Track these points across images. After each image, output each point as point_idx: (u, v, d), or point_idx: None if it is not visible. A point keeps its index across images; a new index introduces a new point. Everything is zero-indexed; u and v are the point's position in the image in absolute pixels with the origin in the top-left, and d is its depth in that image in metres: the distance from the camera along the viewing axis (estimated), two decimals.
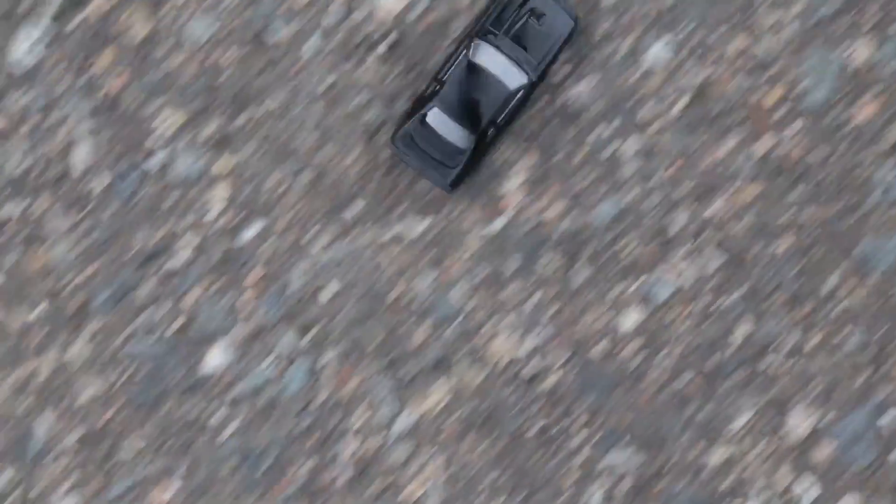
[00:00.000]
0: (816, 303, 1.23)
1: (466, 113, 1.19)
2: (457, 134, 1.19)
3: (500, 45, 1.19)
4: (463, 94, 1.19)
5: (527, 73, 1.19)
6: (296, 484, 1.22)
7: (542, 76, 1.20)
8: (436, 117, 1.19)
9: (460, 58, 1.19)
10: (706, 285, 1.23)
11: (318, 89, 1.25)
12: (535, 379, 1.23)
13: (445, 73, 1.20)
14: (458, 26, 1.25)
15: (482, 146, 1.20)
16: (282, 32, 1.25)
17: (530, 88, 1.19)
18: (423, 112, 1.19)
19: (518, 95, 1.18)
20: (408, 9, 1.25)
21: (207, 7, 1.25)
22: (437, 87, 1.20)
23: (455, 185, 1.20)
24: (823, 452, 1.22)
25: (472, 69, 1.19)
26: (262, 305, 1.24)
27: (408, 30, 1.25)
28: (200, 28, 1.25)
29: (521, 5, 1.19)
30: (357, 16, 1.25)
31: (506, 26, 1.19)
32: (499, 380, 1.24)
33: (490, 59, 1.19)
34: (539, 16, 1.19)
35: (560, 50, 1.20)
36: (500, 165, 1.24)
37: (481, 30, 1.19)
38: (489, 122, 1.19)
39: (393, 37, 1.25)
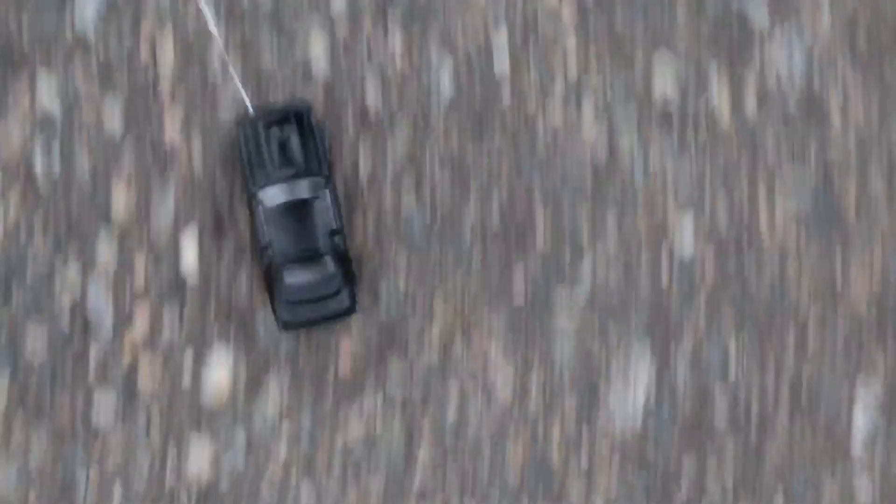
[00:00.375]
0: None
1: (307, 247, 1.19)
2: (318, 268, 1.18)
3: (277, 177, 1.20)
4: (289, 238, 1.20)
5: (319, 174, 1.19)
6: None
7: (329, 166, 1.22)
8: (291, 274, 1.19)
9: (260, 217, 1.20)
10: None
11: None
12: None
13: (261, 239, 1.20)
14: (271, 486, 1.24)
15: (343, 258, 1.21)
16: (87, 488, 1.23)
17: (330, 181, 1.20)
18: (279, 281, 1.19)
19: (329, 195, 1.19)
20: (216, 477, 1.24)
21: (9, 458, 1.23)
22: (270, 253, 1.21)
23: (354, 302, 1.20)
24: None
25: (275, 213, 1.19)
26: None
27: (217, 489, 1.24)
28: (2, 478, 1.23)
29: (267, 137, 1.22)
30: (168, 473, 1.24)
31: (268, 158, 1.22)
32: None
33: (279, 192, 1.19)
34: (284, 131, 1.22)
35: (322, 136, 1.22)
36: None
37: (253, 183, 1.20)
38: (330, 233, 1.19)
39: (204, 491, 1.23)
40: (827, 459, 1.24)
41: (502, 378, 1.25)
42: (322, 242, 1.20)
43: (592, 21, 1.26)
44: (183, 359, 1.25)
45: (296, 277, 1.19)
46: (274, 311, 1.20)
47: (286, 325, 1.20)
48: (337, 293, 1.20)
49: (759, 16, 1.27)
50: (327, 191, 1.21)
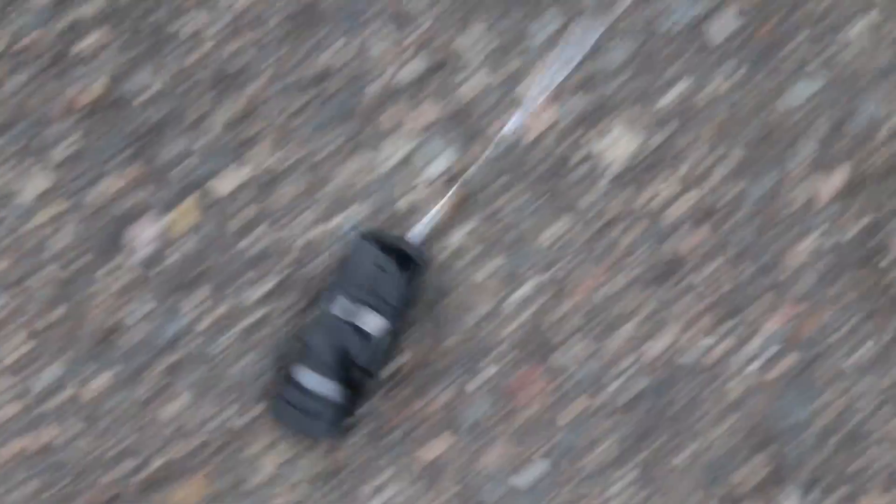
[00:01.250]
0: None
1: (332, 365, 1.21)
2: (327, 387, 1.21)
3: (353, 295, 1.21)
4: (325, 347, 1.21)
5: (386, 319, 1.21)
6: None
7: (402, 318, 1.22)
8: (303, 375, 1.21)
9: (317, 313, 1.22)
10: None
11: None
12: None
13: (306, 331, 1.22)
14: None
15: (355, 394, 1.21)
16: None
17: (393, 334, 1.21)
18: (289, 373, 1.21)
19: (382, 340, 1.21)
20: None
21: None
22: (300, 346, 1.22)
23: (331, 433, 1.21)
24: None
25: (330, 321, 1.21)
26: None
27: None
28: None
29: (372, 260, 1.21)
30: None
31: (357, 279, 1.21)
32: None
33: (345, 308, 1.21)
34: (386, 265, 1.22)
35: (413, 291, 1.21)
36: None
37: (332, 284, 1.21)
38: (358, 369, 1.21)
39: None
40: None
41: None
42: (347, 372, 1.20)
43: None
44: None
45: (302, 384, 1.19)
46: (273, 394, 1.23)
47: (270, 412, 1.21)
48: (325, 421, 1.21)
49: None
50: (387, 338, 1.21)
